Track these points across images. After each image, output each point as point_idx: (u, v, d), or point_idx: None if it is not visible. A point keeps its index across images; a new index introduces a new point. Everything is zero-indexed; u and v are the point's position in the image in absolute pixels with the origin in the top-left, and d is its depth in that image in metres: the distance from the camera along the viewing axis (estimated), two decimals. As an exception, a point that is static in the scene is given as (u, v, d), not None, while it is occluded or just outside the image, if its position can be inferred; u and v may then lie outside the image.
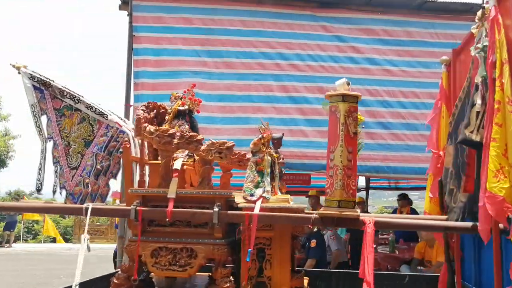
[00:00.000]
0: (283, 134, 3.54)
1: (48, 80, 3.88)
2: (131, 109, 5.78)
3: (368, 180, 12.01)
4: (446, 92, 4.00)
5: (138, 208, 3.07)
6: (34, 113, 3.87)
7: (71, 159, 3.88)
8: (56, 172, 3.87)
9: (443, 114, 3.93)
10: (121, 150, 3.91)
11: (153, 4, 6.06)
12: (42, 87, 3.88)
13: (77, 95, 3.92)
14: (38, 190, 3.87)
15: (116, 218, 8.65)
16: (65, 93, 3.88)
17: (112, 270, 8.58)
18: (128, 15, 6.09)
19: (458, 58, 3.90)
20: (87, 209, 3.19)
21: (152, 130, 3.17)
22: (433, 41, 6.30)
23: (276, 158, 3.34)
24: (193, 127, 3.73)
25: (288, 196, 3.34)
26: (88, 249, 3.18)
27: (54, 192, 3.87)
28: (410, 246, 7.66)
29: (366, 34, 6.24)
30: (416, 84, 6.15)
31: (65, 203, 3.82)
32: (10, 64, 3.99)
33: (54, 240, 21.96)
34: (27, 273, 11.78)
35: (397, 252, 7.41)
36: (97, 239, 19.84)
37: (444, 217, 3.43)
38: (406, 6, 6.32)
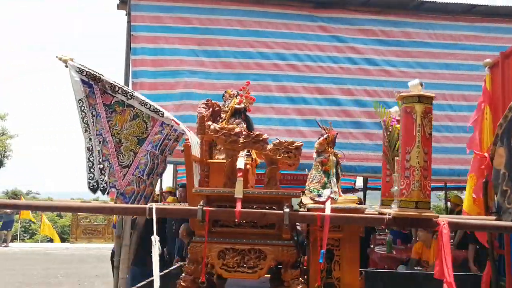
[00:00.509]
0: (337, 133, 3.45)
1: (98, 75, 3.68)
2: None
3: (365, 181, 12.04)
4: (490, 94, 4.04)
5: (205, 208, 2.98)
6: (82, 108, 3.67)
7: (123, 157, 3.68)
8: (102, 170, 3.66)
9: (486, 116, 3.99)
10: (171, 148, 3.77)
11: (151, 3, 6.04)
12: (91, 81, 3.68)
13: (129, 91, 3.76)
14: (93, 189, 3.64)
15: (114, 218, 8.62)
16: (117, 88, 3.70)
17: (109, 269, 8.60)
18: (126, 15, 6.07)
19: (506, 60, 3.91)
20: (150, 209, 3.04)
21: (217, 128, 3.09)
22: (432, 42, 6.29)
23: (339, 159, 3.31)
24: (249, 126, 3.67)
25: (355, 197, 3.29)
26: (160, 249, 3.08)
27: (102, 190, 3.65)
28: (407, 247, 7.68)
29: (365, 34, 6.23)
30: (414, 85, 6.15)
31: (115, 202, 3.64)
32: (56, 57, 3.77)
33: (51, 240, 21.94)
34: (24, 272, 11.78)
35: (394, 252, 7.43)
36: (94, 239, 19.84)
37: (493, 217, 3.43)
38: (404, 6, 6.31)
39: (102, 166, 3.65)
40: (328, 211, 2.93)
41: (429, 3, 6.28)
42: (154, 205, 3.07)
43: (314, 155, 3.27)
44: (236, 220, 2.95)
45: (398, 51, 6.22)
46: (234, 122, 3.56)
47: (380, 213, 3.16)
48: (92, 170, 3.64)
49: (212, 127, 3.12)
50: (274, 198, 3.04)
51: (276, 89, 5.98)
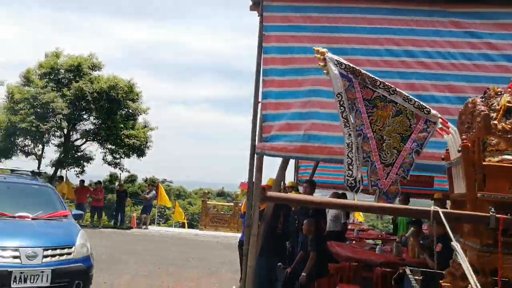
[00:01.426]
0: None
1: (357, 68, 3.62)
2: (259, 105, 6.04)
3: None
4: None
5: (499, 216, 2.71)
6: (341, 102, 3.58)
7: (385, 154, 3.53)
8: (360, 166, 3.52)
9: None
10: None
11: (282, 4, 6.23)
12: (350, 75, 3.61)
13: (391, 86, 3.60)
14: (352, 188, 3.52)
15: (242, 208, 9.10)
16: (378, 83, 3.57)
17: (235, 257, 9.12)
18: (258, 16, 6.36)
19: None
20: (435, 213, 2.81)
21: (507, 128, 2.84)
22: None
23: None
24: None
25: None
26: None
27: (357, 189, 3.53)
28: None
29: (504, 29, 5.82)
30: (561, 82, 5.64)
31: (376, 202, 3.50)
32: (314, 49, 3.78)
33: (182, 225, 23.64)
34: (160, 253, 12.93)
35: None
36: (221, 227, 20.97)
37: None
38: (550, -4, 5.82)
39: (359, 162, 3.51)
40: None
41: None
42: (439, 209, 2.85)
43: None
44: None
45: (542, 46, 5.74)
46: (508, 122, 3.20)
47: None
48: (351, 167, 3.52)
49: (499, 126, 2.87)
50: None
51: (404, 87, 5.82)
